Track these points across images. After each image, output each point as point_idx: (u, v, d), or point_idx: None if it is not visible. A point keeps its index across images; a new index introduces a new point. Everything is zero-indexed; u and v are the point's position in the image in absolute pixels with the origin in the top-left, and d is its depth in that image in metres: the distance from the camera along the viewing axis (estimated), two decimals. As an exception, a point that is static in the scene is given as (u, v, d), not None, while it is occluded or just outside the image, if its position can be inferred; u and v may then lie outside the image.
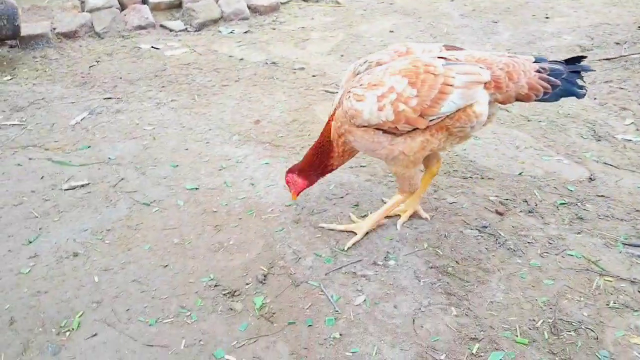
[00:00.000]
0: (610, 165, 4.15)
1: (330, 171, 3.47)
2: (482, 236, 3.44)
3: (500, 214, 3.65)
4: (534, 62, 3.01)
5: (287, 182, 3.48)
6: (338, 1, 8.31)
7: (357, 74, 3.21)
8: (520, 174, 4.08)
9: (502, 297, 2.97)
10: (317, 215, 3.66)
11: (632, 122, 4.74)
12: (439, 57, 3.00)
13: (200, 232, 3.53)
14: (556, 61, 3.04)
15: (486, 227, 3.52)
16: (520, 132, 4.67)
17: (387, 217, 3.56)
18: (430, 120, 2.96)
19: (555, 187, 3.90)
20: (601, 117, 4.85)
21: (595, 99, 5.23)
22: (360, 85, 3.00)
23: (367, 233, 3.46)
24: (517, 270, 3.15)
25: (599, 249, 3.32)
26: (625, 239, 3.36)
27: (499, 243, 3.37)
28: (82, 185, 4.01)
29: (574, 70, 2.99)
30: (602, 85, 5.44)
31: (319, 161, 3.36)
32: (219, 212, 3.71)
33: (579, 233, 3.45)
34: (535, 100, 3.00)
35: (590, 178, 3.99)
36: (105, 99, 5.40)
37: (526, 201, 3.77)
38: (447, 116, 2.96)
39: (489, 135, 4.60)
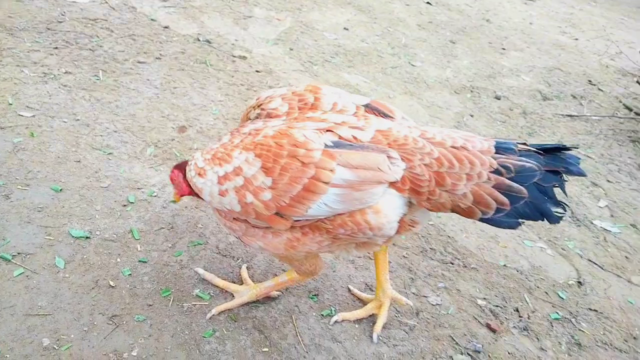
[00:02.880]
0: (595, 264, 3.48)
1: None
2: (475, 368, 2.55)
3: (493, 330, 2.79)
4: (496, 152, 1.91)
5: (172, 180, 2.42)
6: (285, -25, 6.92)
7: (248, 120, 2.28)
8: (504, 265, 3.26)
9: None
10: (262, 310, 2.53)
11: (606, 205, 4.14)
12: (327, 131, 1.95)
13: (86, 326, 2.23)
14: (529, 150, 1.91)
15: (479, 352, 2.64)
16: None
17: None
18: (296, 220, 1.95)
19: (545, 292, 3.13)
20: (575, 193, 4.19)
21: (578, 147, 4.60)
22: (206, 153, 2.08)
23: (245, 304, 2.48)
24: None
25: (606, 400, 2.59)
26: (632, 386, 2.67)
27: (496, 382, 2.51)
28: None
29: (552, 170, 1.87)
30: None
31: None
32: (119, 289, 2.42)
33: (580, 371, 2.70)
34: (481, 220, 1.91)
35: (579, 282, 3.28)
36: (-34, 52, 3.70)
37: (517, 310, 2.95)
38: (324, 218, 1.94)
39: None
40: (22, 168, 2.90)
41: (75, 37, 4.29)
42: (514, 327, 2.85)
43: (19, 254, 2.44)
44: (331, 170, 1.86)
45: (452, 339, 2.66)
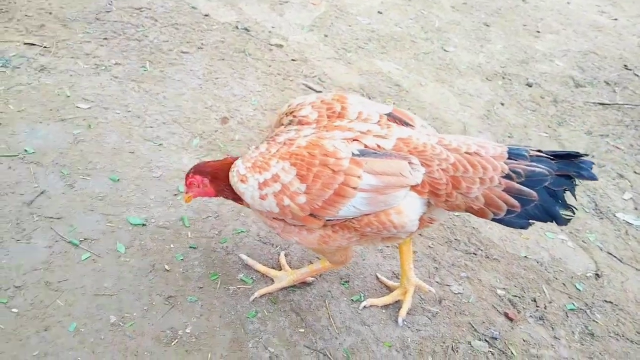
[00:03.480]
0: (614, 257, 3.64)
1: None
2: (492, 352, 2.80)
3: (511, 319, 3.02)
4: (508, 158, 2.10)
5: (189, 184, 2.51)
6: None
7: (281, 126, 2.46)
8: (525, 256, 3.46)
9: None
10: (298, 294, 2.82)
11: (631, 198, 4.25)
12: (354, 140, 2.17)
13: (146, 306, 2.56)
14: (540, 156, 2.10)
15: (496, 339, 2.88)
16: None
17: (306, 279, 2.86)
18: (328, 220, 2.20)
19: (563, 284, 3.33)
20: (601, 185, 4.31)
21: (593, 156, 4.68)
22: (246, 161, 2.29)
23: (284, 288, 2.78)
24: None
25: (614, 387, 2.81)
26: (640, 375, 2.88)
27: (511, 367, 2.75)
28: (-17, 196, 2.83)
29: (564, 174, 2.04)
30: (600, 140, 4.89)
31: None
32: (173, 272, 2.74)
33: (591, 358, 2.92)
34: (494, 220, 2.12)
35: (597, 274, 3.46)
36: (27, 44, 4.00)
37: (535, 301, 3.17)
38: (352, 218, 2.19)
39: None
40: (83, 159, 3.21)
41: (122, 27, 4.55)
42: (531, 316, 3.07)
43: (85, 239, 2.76)
44: (358, 177, 2.10)
45: (472, 325, 2.91)
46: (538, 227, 3.76)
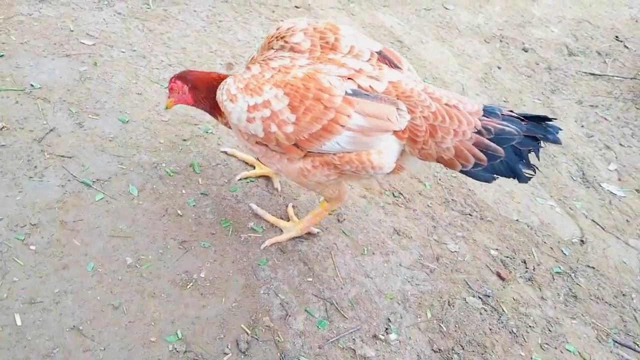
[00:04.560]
0: (598, 224, 3.85)
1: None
2: (485, 309, 2.98)
3: (502, 278, 3.20)
4: (483, 115, 2.21)
5: (171, 88, 2.64)
6: None
7: (271, 50, 2.44)
8: (517, 220, 3.63)
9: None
10: (306, 245, 2.91)
11: (616, 169, 4.45)
12: (348, 79, 2.22)
13: (161, 249, 2.61)
14: (512, 116, 2.20)
15: (489, 297, 3.06)
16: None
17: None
18: (309, 152, 2.29)
19: (551, 248, 3.52)
20: (588, 154, 4.49)
21: (582, 126, 4.85)
22: (238, 82, 2.29)
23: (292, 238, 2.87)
24: (520, 367, 2.78)
25: (592, 343, 3.04)
26: (615, 333, 3.13)
27: (502, 322, 2.94)
28: (-8, 130, 2.78)
29: (530, 135, 2.16)
30: (589, 111, 5.04)
31: (213, 97, 2.46)
32: (185, 217, 2.78)
33: (573, 318, 3.14)
34: (461, 172, 2.24)
35: (582, 240, 3.67)
36: (22, -29, 3.81)
37: (525, 262, 3.36)
38: (333, 154, 2.28)
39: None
40: (90, 97, 3.16)
41: (123, -41, 4.35)
42: (520, 276, 3.26)
43: (97, 180, 2.76)
44: (348, 116, 2.16)
45: (467, 283, 3.08)
46: (529, 192, 3.92)
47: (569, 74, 5.54)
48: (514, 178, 2.19)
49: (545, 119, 2.20)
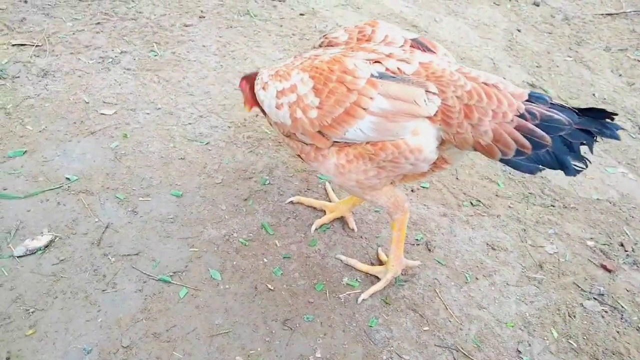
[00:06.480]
0: (676, 181, 3.66)
1: None
2: (605, 311, 2.79)
3: (609, 270, 3.00)
4: (527, 100, 1.98)
5: (241, 89, 2.63)
6: None
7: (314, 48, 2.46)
8: (597, 199, 3.42)
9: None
10: (407, 288, 2.68)
11: (670, 113, 4.25)
12: (376, 62, 2.09)
13: (267, 336, 2.35)
14: (564, 106, 1.96)
15: (603, 295, 2.87)
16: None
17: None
18: (335, 142, 2.14)
19: (640, 221, 3.33)
20: (637, 105, 4.28)
21: (620, 74, 4.62)
22: (271, 70, 2.30)
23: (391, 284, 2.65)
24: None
25: None
26: None
27: (626, 321, 2.75)
28: (46, 246, 2.47)
29: (584, 129, 1.90)
30: (620, 56, 4.81)
31: None
32: (278, 291, 2.52)
33: (691, 295, 2.97)
34: (502, 161, 2.00)
35: (667, 206, 3.48)
36: (15, 45, 3.45)
37: (623, 245, 3.16)
38: (366, 143, 2.10)
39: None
40: (134, 177, 2.86)
41: (111, 5, 3.99)
42: (624, 262, 3.06)
43: (175, 273, 2.49)
44: (371, 98, 2.01)
45: (577, 285, 2.87)
46: (597, 164, 3.70)
47: (587, 20, 5.29)
48: (561, 170, 1.93)
49: (605, 115, 1.92)
